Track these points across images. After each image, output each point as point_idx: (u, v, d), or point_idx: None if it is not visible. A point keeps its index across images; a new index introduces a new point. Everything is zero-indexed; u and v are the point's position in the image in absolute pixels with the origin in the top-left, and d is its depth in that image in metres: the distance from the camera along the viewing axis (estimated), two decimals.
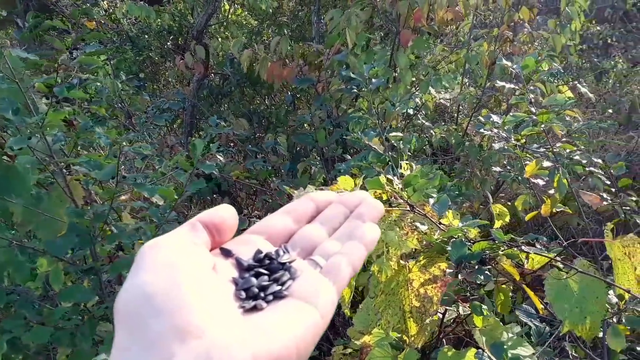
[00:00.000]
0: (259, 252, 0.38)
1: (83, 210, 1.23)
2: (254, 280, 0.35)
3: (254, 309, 0.33)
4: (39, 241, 1.26)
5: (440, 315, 1.34)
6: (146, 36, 3.76)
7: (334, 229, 0.43)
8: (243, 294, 0.34)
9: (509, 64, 1.41)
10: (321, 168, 2.09)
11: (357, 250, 0.40)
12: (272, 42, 2.20)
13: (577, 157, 1.48)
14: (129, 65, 3.56)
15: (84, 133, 1.32)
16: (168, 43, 3.80)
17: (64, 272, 1.35)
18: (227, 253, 0.38)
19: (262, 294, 0.34)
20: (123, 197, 1.66)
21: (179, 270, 0.32)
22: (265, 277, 0.36)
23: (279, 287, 0.35)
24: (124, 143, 1.13)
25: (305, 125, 2.77)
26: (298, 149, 2.71)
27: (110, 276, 1.35)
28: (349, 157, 1.81)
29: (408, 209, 1.03)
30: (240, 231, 0.41)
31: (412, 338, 1.06)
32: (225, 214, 0.38)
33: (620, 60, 4.42)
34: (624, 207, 1.54)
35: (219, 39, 3.35)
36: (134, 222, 1.51)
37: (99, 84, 2.26)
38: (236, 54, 2.34)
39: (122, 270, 1.25)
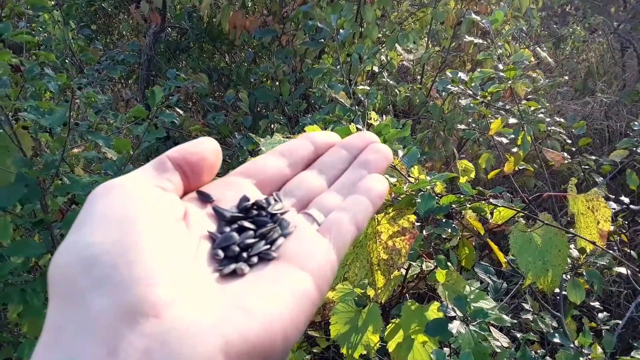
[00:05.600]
0: (245, 199, 0.31)
1: (32, 161, 1.16)
2: (235, 236, 0.28)
3: (233, 274, 0.27)
4: None
5: (404, 271, 1.34)
6: None
7: (335, 178, 0.36)
8: (221, 254, 0.27)
9: (478, 18, 1.39)
10: (284, 125, 2.04)
11: (362, 206, 0.33)
12: None
13: (541, 115, 1.49)
14: (79, 15, 3.35)
15: (32, 78, 1.22)
16: None
17: (13, 227, 1.28)
18: (205, 198, 0.30)
19: (244, 255, 0.28)
20: (75, 150, 1.57)
21: (137, 225, 0.25)
22: (251, 233, 0.29)
23: (266, 247, 0.28)
24: (76, 87, 1.05)
25: (267, 82, 2.70)
26: (259, 108, 2.64)
27: (63, 231, 1.28)
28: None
29: None
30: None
31: (379, 291, 1.05)
32: (205, 148, 0.30)
33: (578, 28, 4.48)
34: (583, 166, 1.57)
35: None
36: (88, 176, 1.43)
37: (46, 33, 2.12)
38: (196, 2, 2.22)
39: None
